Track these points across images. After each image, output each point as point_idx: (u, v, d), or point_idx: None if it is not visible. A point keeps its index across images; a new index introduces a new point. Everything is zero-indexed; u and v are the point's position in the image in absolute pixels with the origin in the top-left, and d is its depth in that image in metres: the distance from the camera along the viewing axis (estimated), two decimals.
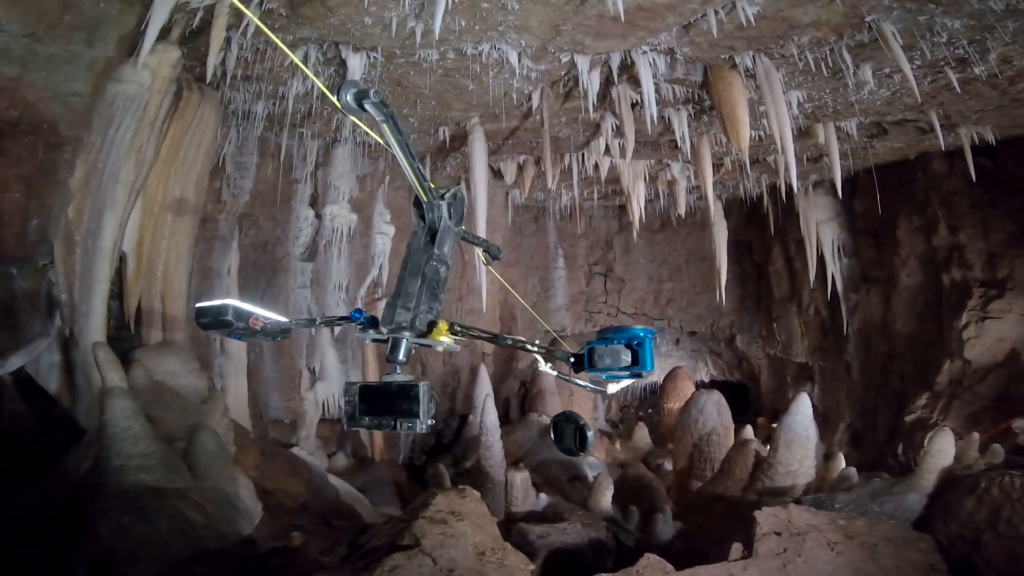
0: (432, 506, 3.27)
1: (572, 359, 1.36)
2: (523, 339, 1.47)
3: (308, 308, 9.13)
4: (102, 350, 4.41)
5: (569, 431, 1.51)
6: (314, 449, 8.80)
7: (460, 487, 3.77)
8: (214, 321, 1.28)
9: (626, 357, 1.27)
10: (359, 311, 1.33)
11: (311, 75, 1.44)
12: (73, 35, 4.64)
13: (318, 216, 9.07)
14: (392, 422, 1.18)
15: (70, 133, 4.93)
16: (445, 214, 1.29)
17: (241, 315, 1.28)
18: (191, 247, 6.58)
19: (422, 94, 6.80)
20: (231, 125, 7.55)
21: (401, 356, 1.20)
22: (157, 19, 4.61)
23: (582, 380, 1.47)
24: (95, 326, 5.27)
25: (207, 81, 5.78)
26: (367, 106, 1.04)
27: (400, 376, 1.20)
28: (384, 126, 1.10)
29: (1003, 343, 8.66)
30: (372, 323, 1.32)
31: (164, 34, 5.08)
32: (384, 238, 9.70)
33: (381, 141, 1.18)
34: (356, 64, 5.77)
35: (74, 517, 3.71)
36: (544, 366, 1.50)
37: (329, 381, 9.36)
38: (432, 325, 1.25)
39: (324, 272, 9.22)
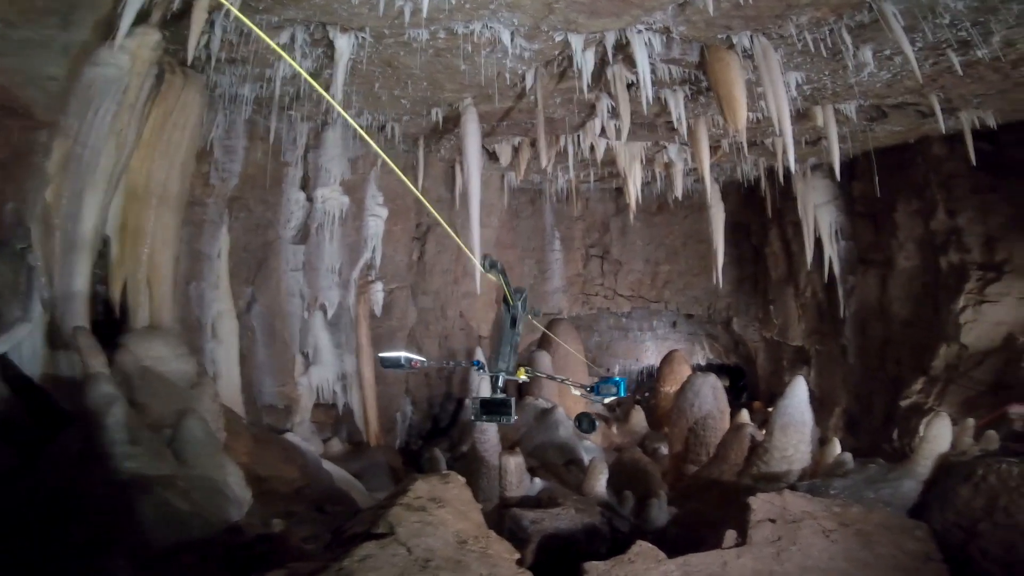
0: (410, 492, 3.15)
1: (589, 389, 2.44)
2: (571, 379, 2.67)
3: (300, 291, 9.03)
4: (82, 335, 4.34)
5: (586, 421, 2.67)
6: (309, 435, 8.76)
7: (444, 472, 3.68)
8: (392, 364, 2.39)
9: (614, 390, 2.39)
10: (478, 361, 2.57)
11: (326, 96, 1.32)
12: (46, 19, 4.50)
13: (309, 199, 8.93)
14: (497, 418, 2.30)
15: (46, 117, 4.81)
16: (520, 310, 2.46)
17: (411, 360, 2.39)
18: (177, 230, 6.47)
19: (413, 75, 6.63)
20: (218, 109, 7.38)
21: (500, 384, 2.34)
22: (134, 2, 4.48)
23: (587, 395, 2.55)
24: (78, 310, 5.19)
25: (190, 64, 5.61)
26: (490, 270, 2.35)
27: (500, 395, 2.31)
28: (500, 279, 2.36)
29: (1000, 327, 8.58)
30: (484, 367, 2.49)
31: (144, 17, 4.94)
32: (377, 220, 9.55)
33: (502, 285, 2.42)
34: (344, 45, 5.58)
35: (60, 506, 3.65)
36: (575, 392, 2.56)
37: (323, 366, 9.29)
38: (516, 367, 2.43)
39: (316, 255, 9.11)
